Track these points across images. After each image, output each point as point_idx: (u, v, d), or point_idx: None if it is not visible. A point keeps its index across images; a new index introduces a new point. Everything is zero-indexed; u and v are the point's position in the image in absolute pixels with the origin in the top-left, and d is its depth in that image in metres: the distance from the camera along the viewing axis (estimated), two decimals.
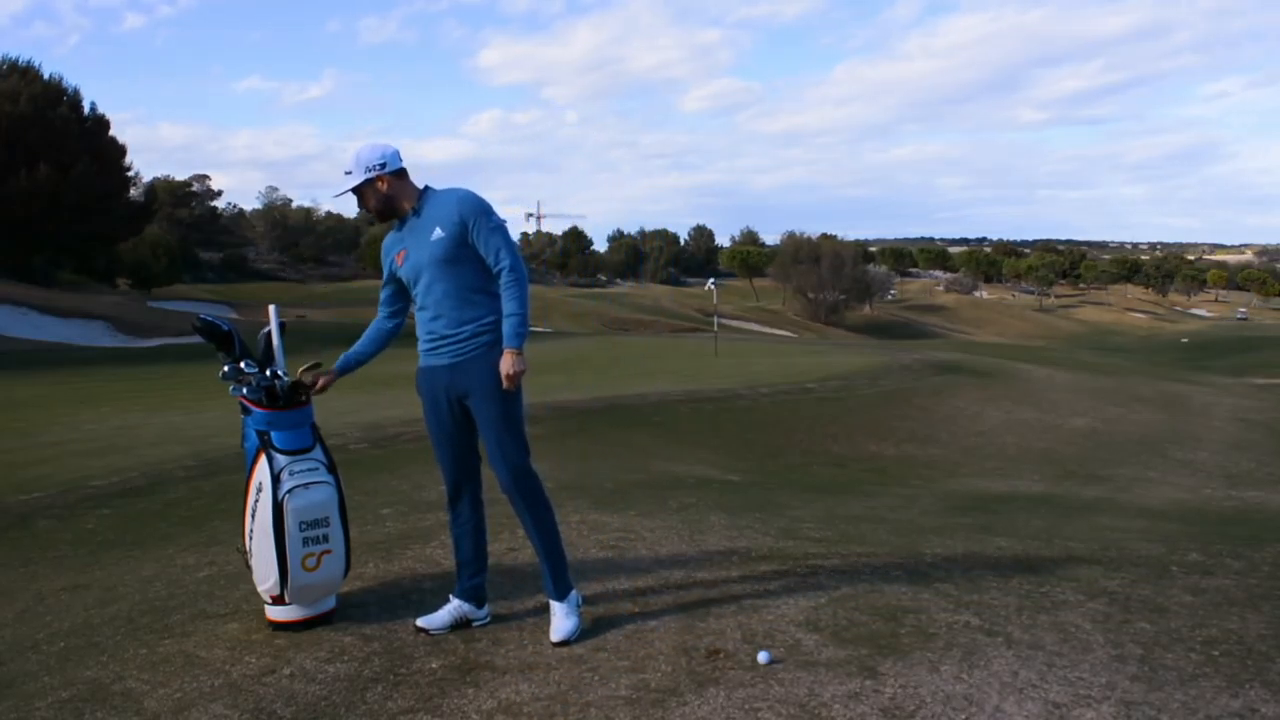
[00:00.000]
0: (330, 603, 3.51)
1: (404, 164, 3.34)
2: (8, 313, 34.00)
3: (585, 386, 13.94)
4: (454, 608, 3.43)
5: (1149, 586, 3.78)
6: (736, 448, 10.16)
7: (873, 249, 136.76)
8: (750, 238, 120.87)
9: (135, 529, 5.63)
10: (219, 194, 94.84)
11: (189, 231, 78.23)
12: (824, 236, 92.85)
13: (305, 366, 3.49)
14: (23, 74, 39.62)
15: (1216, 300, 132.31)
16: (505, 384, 3.21)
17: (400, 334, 3.56)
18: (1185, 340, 67.17)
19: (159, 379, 19.52)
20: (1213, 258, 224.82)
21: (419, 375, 3.43)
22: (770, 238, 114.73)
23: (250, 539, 3.38)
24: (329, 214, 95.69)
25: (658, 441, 9.84)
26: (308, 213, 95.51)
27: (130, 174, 46.22)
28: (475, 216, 3.24)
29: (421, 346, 3.39)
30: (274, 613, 3.43)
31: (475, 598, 3.46)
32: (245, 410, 3.44)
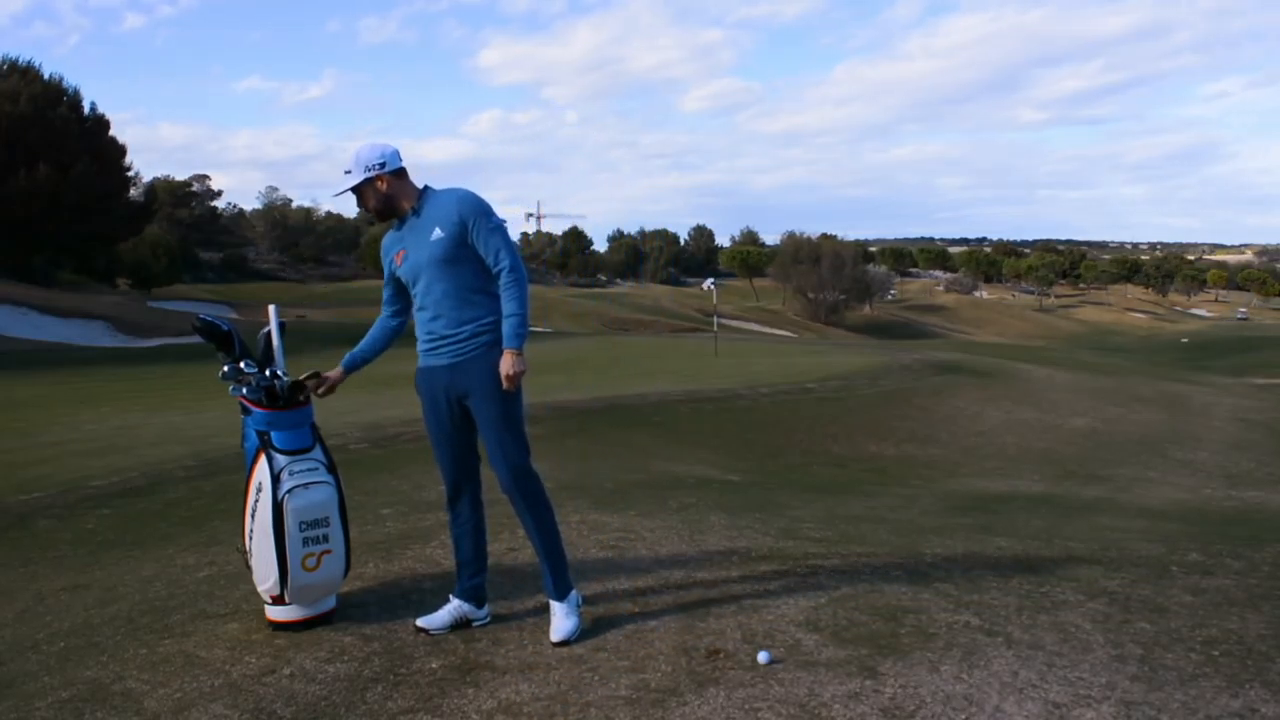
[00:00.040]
0: (330, 603, 3.51)
1: (404, 164, 3.34)
2: (8, 313, 34.00)
3: (585, 386, 13.94)
4: (454, 608, 3.43)
5: (1149, 586, 3.78)
6: (736, 448, 10.16)
7: (873, 249, 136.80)
8: (750, 238, 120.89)
9: (135, 529, 5.63)
10: (219, 194, 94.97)
11: (189, 231, 78.24)
12: (824, 236, 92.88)
13: (306, 375, 3.50)
14: (23, 74, 39.61)
15: (1216, 300, 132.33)
16: (505, 384, 3.21)
17: (404, 332, 3.57)
18: (1185, 340, 67.18)
19: (159, 379, 19.53)
20: (1213, 258, 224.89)
21: (418, 375, 3.43)
22: (770, 238, 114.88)
23: (250, 539, 3.38)
24: (329, 214, 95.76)
25: (658, 441, 9.84)
26: (308, 213, 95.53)
27: (130, 174, 46.23)
28: (475, 217, 3.24)
29: (421, 346, 3.39)
30: (274, 613, 3.43)
31: (475, 598, 3.46)
32: (245, 410, 3.44)
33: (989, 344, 50.96)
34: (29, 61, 40.77)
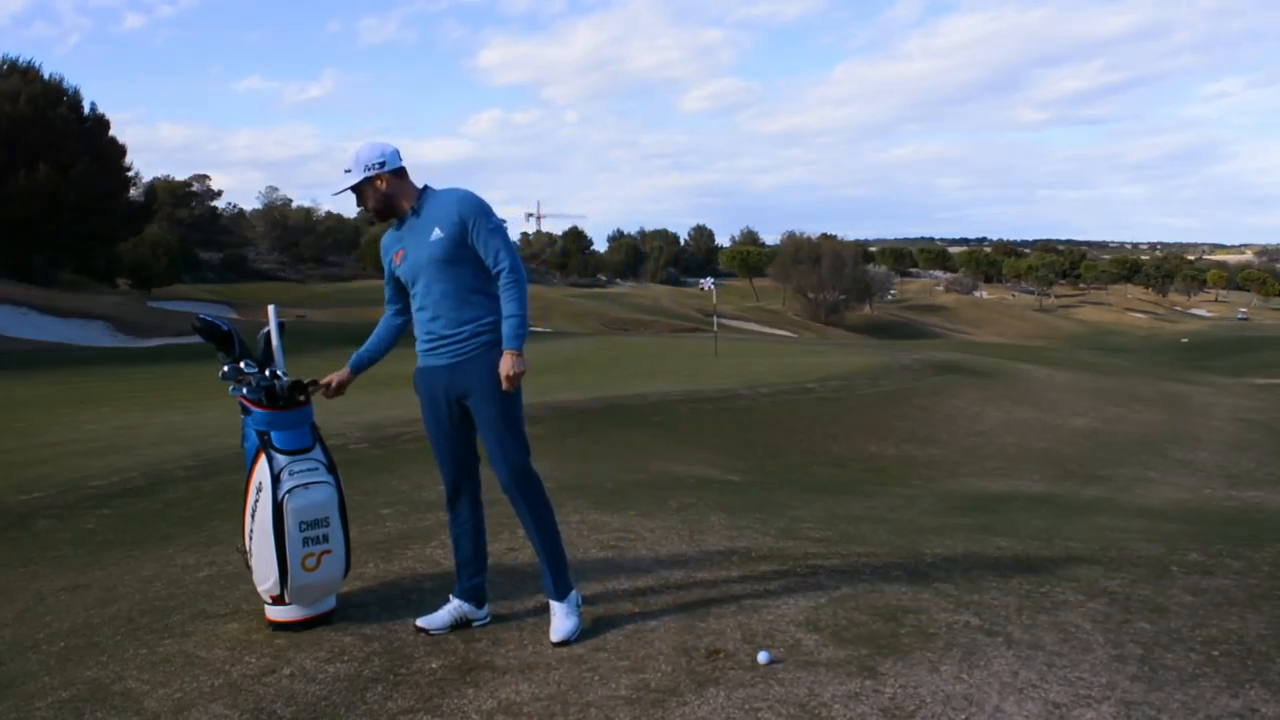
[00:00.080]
0: (330, 603, 3.51)
1: (403, 163, 3.34)
2: (8, 313, 34.00)
3: (585, 386, 13.94)
4: (454, 608, 3.43)
5: (1149, 586, 3.78)
6: (736, 448, 10.15)
7: (873, 249, 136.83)
8: (750, 238, 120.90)
9: (135, 529, 5.63)
10: (219, 194, 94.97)
11: (189, 231, 78.24)
12: (824, 236, 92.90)
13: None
14: (23, 74, 39.62)
15: (1216, 300, 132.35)
16: (505, 385, 3.21)
17: (409, 331, 3.57)
18: (1185, 340, 67.18)
19: (159, 379, 19.53)
20: (1213, 258, 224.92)
21: (417, 375, 3.42)
22: (770, 238, 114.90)
23: (250, 539, 3.38)
24: (329, 214, 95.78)
25: (658, 441, 9.84)
26: (308, 213, 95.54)
27: (130, 174, 46.25)
28: (475, 217, 3.24)
29: (420, 347, 3.39)
30: (274, 613, 3.43)
31: (475, 598, 3.46)
32: (245, 410, 3.44)
33: (989, 344, 50.97)
34: (29, 61, 40.83)
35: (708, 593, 3.72)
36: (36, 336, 32.53)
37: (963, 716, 2.61)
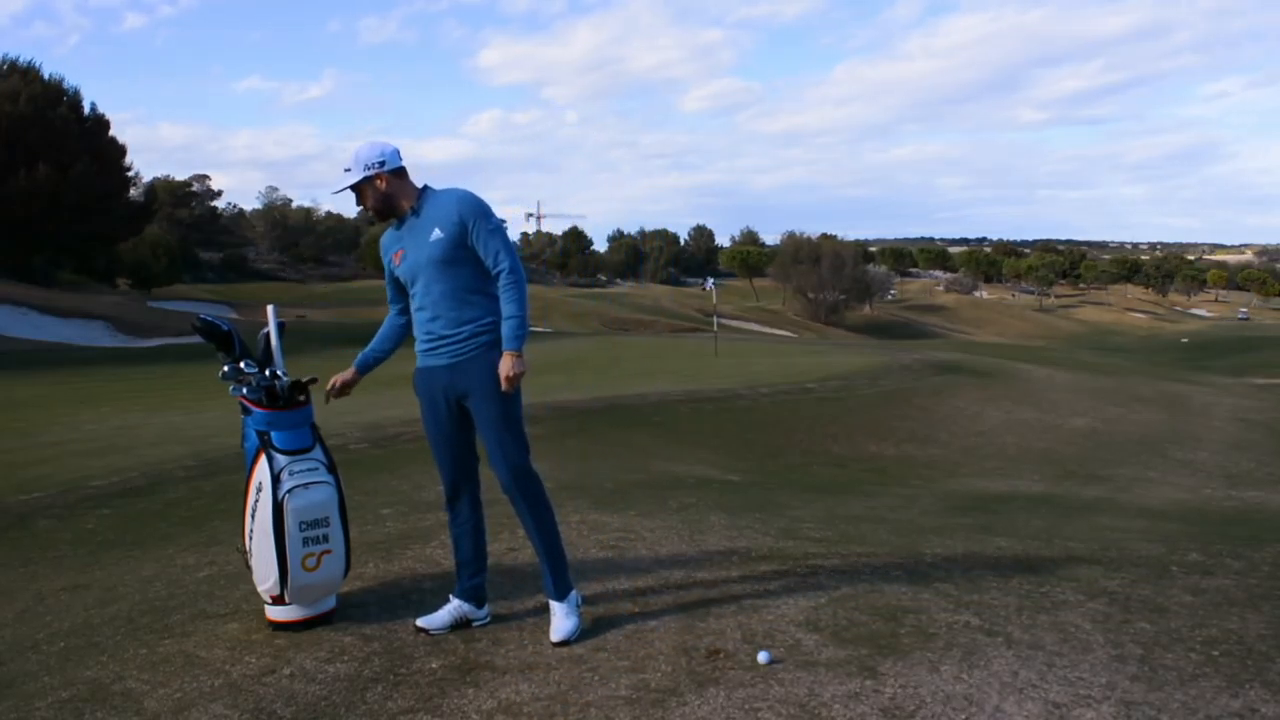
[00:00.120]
0: (330, 603, 3.51)
1: (403, 163, 3.34)
2: (8, 313, 34.01)
3: (585, 386, 13.94)
4: (454, 608, 3.43)
5: (1149, 586, 3.78)
6: (736, 448, 10.15)
7: (873, 249, 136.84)
8: (750, 238, 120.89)
9: (135, 529, 5.63)
10: (219, 194, 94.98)
11: (189, 231, 78.24)
12: (824, 236, 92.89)
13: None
14: (23, 74, 39.63)
15: (1216, 300, 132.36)
16: (504, 386, 3.21)
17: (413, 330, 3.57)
18: (1185, 340, 67.19)
19: (159, 379, 19.53)
20: (1213, 258, 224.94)
21: (417, 376, 3.42)
22: (770, 238, 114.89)
23: (250, 539, 3.38)
24: (329, 214, 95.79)
25: (658, 441, 9.84)
26: (308, 213, 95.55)
27: (130, 174, 46.26)
28: (475, 218, 3.24)
29: (419, 347, 3.39)
30: (274, 613, 3.43)
31: (475, 598, 3.46)
32: (245, 410, 3.44)
33: (989, 344, 50.97)
34: (29, 61, 40.85)
35: (708, 593, 3.72)
36: (36, 336, 32.53)
37: (963, 716, 2.61)
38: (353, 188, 3.32)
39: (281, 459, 3.35)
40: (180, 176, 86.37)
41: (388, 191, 3.31)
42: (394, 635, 3.34)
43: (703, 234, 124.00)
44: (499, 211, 3.32)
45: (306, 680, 2.98)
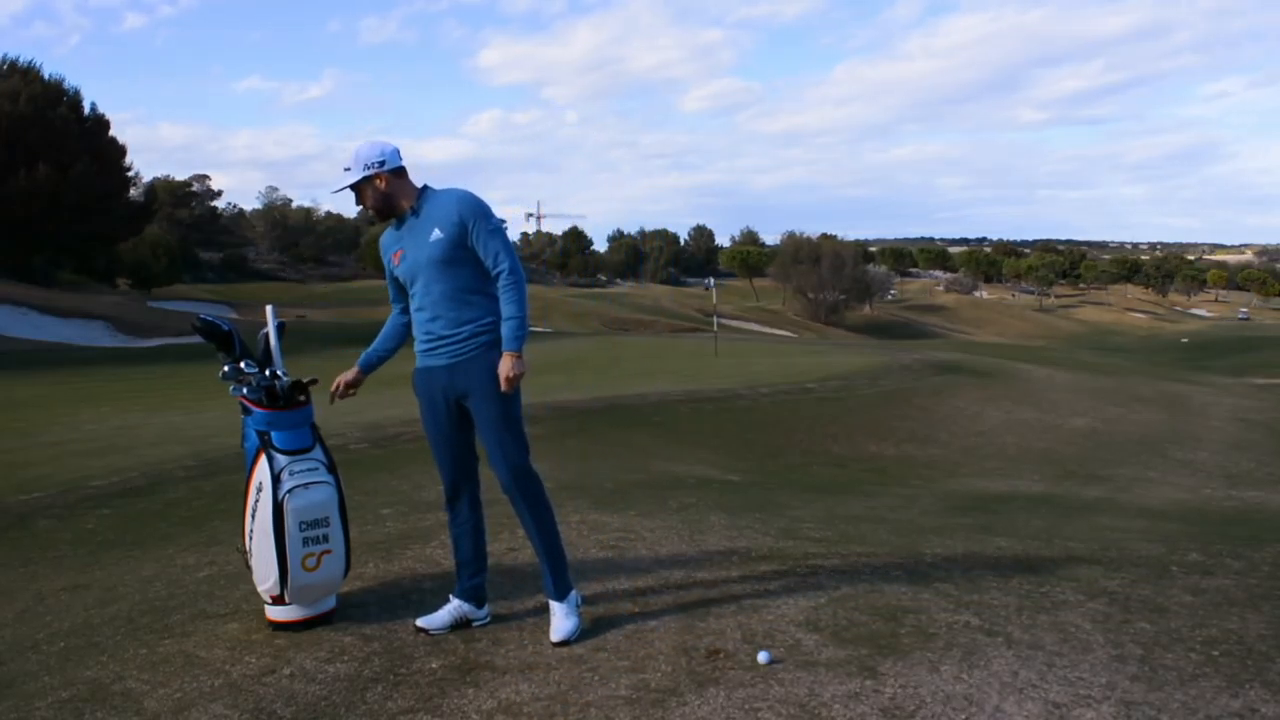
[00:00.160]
0: (330, 603, 3.51)
1: (403, 163, 3.34)
2: (8, 313, 34.01)
3: (585, 386, 13.94)
4: (454, 608, 3.43)
5: (1149, 586, 3.78)
6: (736, 448, 10.15)
7: (873, 249, 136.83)
8: (750, 238, 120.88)
9: (135, 529, 5.63)
10: (219, 194, 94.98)
11: (189, 231, 78.24)
12: (824, 236, 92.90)
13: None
14: (23, 74, 39.63)
15: (1216, 300, 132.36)
16: (504, 386, 3.21)
17: None
18: (1185, 340, 67.19)
19: (159, 379, 19.53)
20: (1213, 258, 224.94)
21: (416, 376, 3.42)
22: (770, 238, 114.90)
23: (250, 539, 3.38)
24: (329, 214, 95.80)
25: (658, 441, 9.84)
26: (308, 213, 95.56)
27: (130, 174, 46.25)
28: (475, 219, 3.23)
29: (419, 347, 3.39)
30: (274, 613, 3.43)
31: (475, 598, 3.46)
32: (245, 410, 3.44)
33: (989, 344, 50.97)
34: (29, 61, 40.85)
35: (708, 593, 3.72)
36: (36, 336, 32.53)
37: (963, 716, 2.61)
38: (352, 187, 3.32)
39: (282, 459, 3.35)
40: (180, 176, 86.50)
41: (387, 191, 3.31)
42: (394, 635, 3.34)
43: (703, 234, 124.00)
44: (499, 211, 3.32)
45: (306, 680, 2.98)
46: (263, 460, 3.35)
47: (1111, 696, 2.71)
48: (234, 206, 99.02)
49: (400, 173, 3.32)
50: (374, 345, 3.52)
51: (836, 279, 79.67)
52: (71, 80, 54.46)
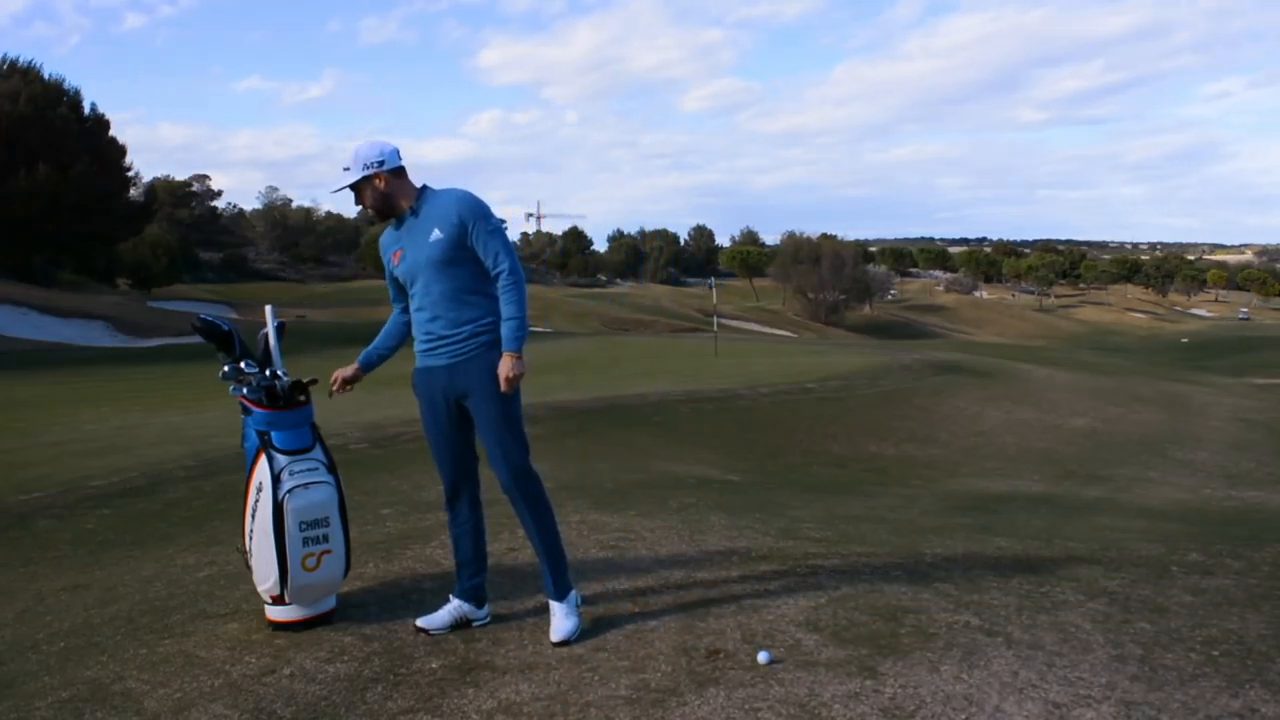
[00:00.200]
0: (330, 603, 3.51)
1: (403, 163, 3.34)
2: (8, 313, 34.01)
3: (585, 386, 13.94)
4: (454, 608, 3.43)
5: (1149, 586, 3.78)
6: (736, 448, 10.15)
7: (873, 249, 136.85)
8: (750, 238, 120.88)
9: (135, 529, 5.63)
10: (219, 194, 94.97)
11: (189, 231, 78.24)
12: (824, 236, 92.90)
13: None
14: (23, 74, 39.63)
15: (1216, 300, 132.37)
16: (504, 387, 3.21)
17: None
18: (1185, 340, 67.20)
19: (159, 379, 19.53)
20: (1213, 258, 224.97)
21: (416, 376, 3.42)
22: (770, 238, 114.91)
23: (250, 539, 3.38)
24: (329, 214, 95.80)
25: (658, 441, 9.84)
26: (308, 213, 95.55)
27: (130, 174, 46.25)
28: (474, 219, 3.24)
29: (419, 347, 3.39)
30: (274, 613, 3.43)
31: (475, 598, 3.46)
32: (245, 410, 3.44)
33: (989, 344, 50.97)
34: (29, 61, 40.84)
35: (708, 593, 3.72)
36: (36, 336, 32.53)
37: (963, 716, 2.61)
38: (352, 187, 3.32)
39: (282, 459, 3.35)
40: (180, 176, 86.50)
41: (387, 191, 3.31)
42: (394, 635, 3.34)
43: (703, 234, 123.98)
44: (499, 211, 3.32)
45: (306, 680, 2.98)
46: (263, 460, 3.35)
47: (1111, 696, 2.71)
48: (234, 206, 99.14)
49: (400, 173, 3.32)
50: (374, 344, 3.52)
51: (836, 279, 79.67)
52: (71, 80, 54.45)
